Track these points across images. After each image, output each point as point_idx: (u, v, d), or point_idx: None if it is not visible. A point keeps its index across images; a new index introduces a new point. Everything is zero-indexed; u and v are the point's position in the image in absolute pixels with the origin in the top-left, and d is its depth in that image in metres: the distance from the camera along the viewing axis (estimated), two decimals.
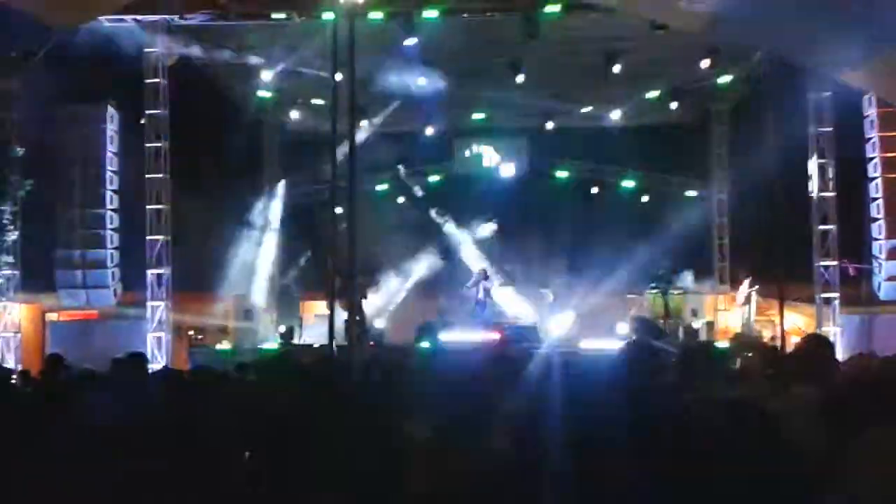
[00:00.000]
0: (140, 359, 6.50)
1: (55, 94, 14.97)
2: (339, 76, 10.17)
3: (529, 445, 3.42)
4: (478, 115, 19.44)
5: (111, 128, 15.57)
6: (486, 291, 17.05)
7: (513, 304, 18.42)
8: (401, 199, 20.14)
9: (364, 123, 17.58)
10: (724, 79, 17.48)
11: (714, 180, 19.99)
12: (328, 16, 12.71)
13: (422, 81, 16.46)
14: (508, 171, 19.93)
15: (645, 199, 19.95)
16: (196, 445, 3.47)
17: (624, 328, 16.70)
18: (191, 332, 16.42)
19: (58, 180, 15.53)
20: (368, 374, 7.39)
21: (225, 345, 15.69)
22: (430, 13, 14.14)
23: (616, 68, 15.90)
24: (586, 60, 16.23)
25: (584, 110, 18.93)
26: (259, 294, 18.05)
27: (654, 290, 17.01)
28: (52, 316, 16.59)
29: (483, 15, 14.44)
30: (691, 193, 20.03)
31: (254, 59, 16.30)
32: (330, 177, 10.68)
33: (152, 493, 3.39)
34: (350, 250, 9.26)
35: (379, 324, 16.96)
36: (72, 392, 5.78)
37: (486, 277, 17.12)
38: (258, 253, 18.79)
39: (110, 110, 15.55)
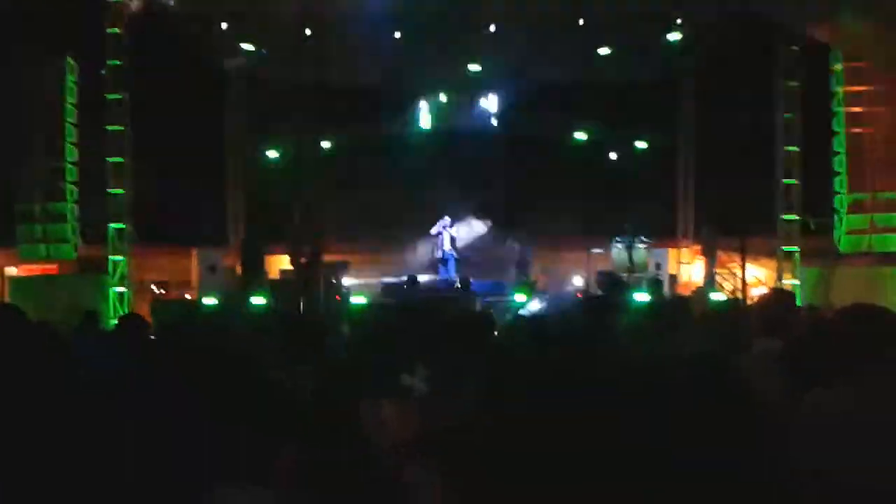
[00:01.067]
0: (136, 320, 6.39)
1: (12, 43, 14.56)
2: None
3: (497, 399, 3.43)
4: (441, 69, 19.25)
5: (70, 78, 15.19)
6: (452, 240, 17.04)
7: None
8: (367, 157, 19.97)
9: (329, 76, 17.32)
10: (691, 33, 17.46)
11: (680, 136, 20.03)
12: None
13: (395, 35, 16.24)
14: (471, 126, 19.81)
15: (613, 156, 19.97)
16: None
17: (589, 280, 16.91)
18: (152, 287, 16.27)
19: (16, 133, 15.15)
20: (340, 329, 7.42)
21: (210, 300, 15.32)
22: None
23: (581, 21, 15.88)
24: (552, 15, 16.09)
25: (549, 66, 18.80)
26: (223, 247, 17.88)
27: (619, 245, 17.13)
28: (11, 270, 16.33)
29: None
30: (656, 148, 20.08)
31: (219, 8, 15.95)
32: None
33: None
34: (316, 205, 9.19)
35: (344, 280, 16.88)
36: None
37: (451, 225, 17.11)
38: (222, 206, 18.58)
39: (69, 60, 15.15)
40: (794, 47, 15.52)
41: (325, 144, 17.96)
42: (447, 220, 17.06)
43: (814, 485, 2.45)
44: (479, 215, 18.53)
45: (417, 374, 4.08)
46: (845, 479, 2.50)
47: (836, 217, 15.68)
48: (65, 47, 15.18)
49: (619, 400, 3.02)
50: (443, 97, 19.81)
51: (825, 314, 4.92)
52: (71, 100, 15.19)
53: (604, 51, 18.14)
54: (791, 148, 15.84)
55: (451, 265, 17.04)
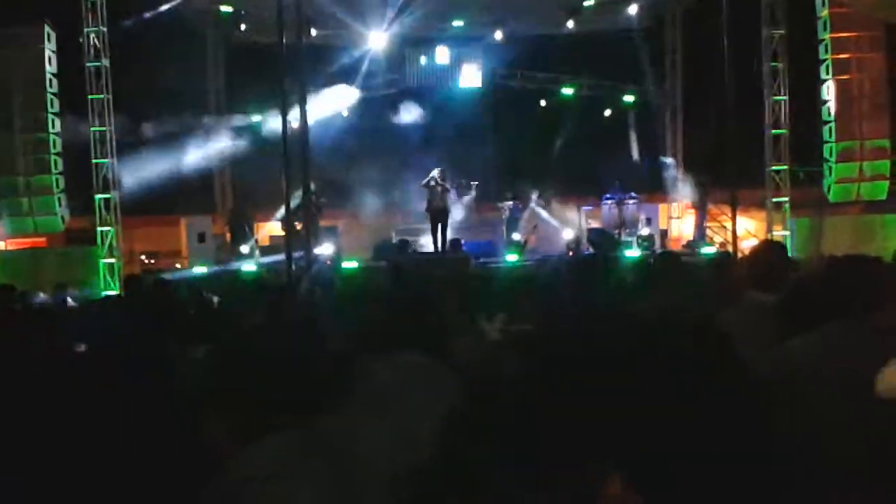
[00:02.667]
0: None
1: None
2: None
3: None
4: (430, 25, 19.04)
5: (49, 48, 14.93)
6: (446, 191, 15.98)
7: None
8: (348, 115, 19.80)
9: (312, 35, 17.11)
10: None
11: (667, 86, 19.91)
12: None
13: None
14: (461, 81, 19.66)
15: (601, 107, 19.87)
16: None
17: (581, 238, 16.90)
18: (142, 257, 16.21)
19: None
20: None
21: (198, 269, 15.25)
22: None
23: None
24: None
25: (533, 19, 18.62)
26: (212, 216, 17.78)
27: (609, 201, 17.10)
28: None
29: None
30: (643, 101, 19.97)
31: None
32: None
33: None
34: (304, 170, 9.11)
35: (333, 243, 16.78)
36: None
37: (444, 178, 15.75)
38: (210, 173, 18.45)
39: (47, 29, 14.88)
40: None
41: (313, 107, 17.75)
42: (436, 171, 15.73)
43: (789, 437, 2.45)
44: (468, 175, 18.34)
45: (496, 322, 4.05)
46: (814, 429, 2.50)
47: (825, 166, 15.64)
48: (41, 15, 14.91)
49: (606, 358, 3.01)
50: (425, 55, 19.62)
51: (818, 265, 4.90)
52: (51, 70, 14.95)
53: (588, 2, 17.97)
54: (778, 98, 15.76)
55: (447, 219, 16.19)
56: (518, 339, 3.44)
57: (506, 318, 4.02)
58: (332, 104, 19.03)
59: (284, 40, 9.64)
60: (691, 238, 17.44)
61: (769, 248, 4.39)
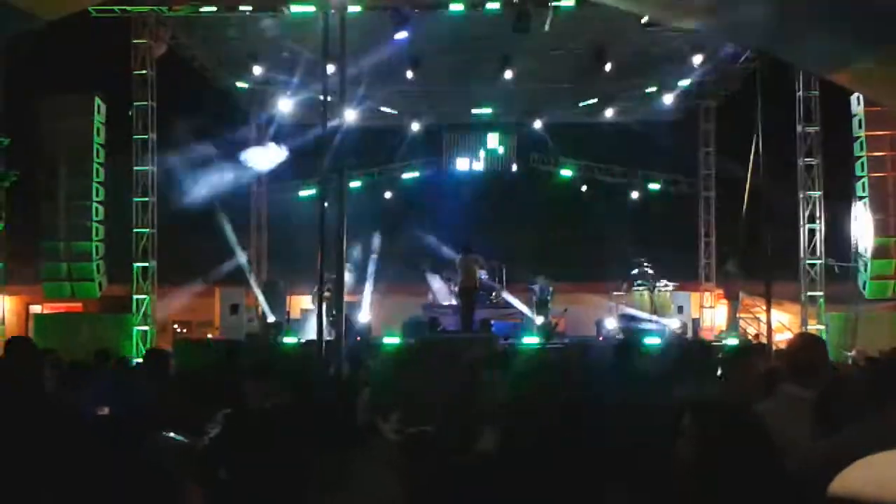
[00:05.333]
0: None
1: (42, 84, 14.88)
2: (329, 68, 10.06)
3: (518, 443, 3.40)
4: (468, 111, 19.45)
5: (98, 119, 15.44)
6: (479, 270, 15.43)
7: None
8: (388, 195, 20.18)
9: (353, 117, 17.49)
10: (713, 76, 17.55)
11: (701, 177, 20.04)
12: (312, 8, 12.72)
13: (410, 75, 16.37)
14: (496, 166, 19.96)
15: (635, 195, 20.04)
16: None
17: (611, 323, 16.78)
18: (174, 326, 16.36)
19: (44, 171, 15.39)
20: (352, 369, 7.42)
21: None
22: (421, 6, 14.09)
23: (607, 67, 15.94)
24: (576, 57, 16.25)
25: (573, 107, 18.95)
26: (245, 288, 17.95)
27: (641, 287, 17.05)
28: (35, 308, 16.47)
29: (473, 9, 14.38)
30: (678, 190, 20.12)
31: (242, 51, 16.24)
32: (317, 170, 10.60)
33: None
34: (339, 246, 9.21)
35: (364, 318, 16.83)
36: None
37: (475, 257, 15.25)
38: (247, 246, 18.74)
39: (97, 101, 15.42)
40: (815, 91, 15.54)
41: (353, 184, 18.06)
42: (463, 252, 15.32)
43: None
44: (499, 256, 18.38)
45: (391, 421, 4.03)
46: None
47: (860, 262, 15.53)
48: (93, 88, 15.46)
49: (647, 440, 3.00)
50: (462, 138, 19.99)
51: (857, 360, 4.87)
52: (98, 140, 15.42)
53: (626, 94, 18.28)
54: (813, 193, 15.80)
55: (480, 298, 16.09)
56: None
57: (400, 417, 3.97)
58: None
59: (326, 122, 9.86)
60: (724, 328, 17.26)
61: (808, 342, 4.35)
